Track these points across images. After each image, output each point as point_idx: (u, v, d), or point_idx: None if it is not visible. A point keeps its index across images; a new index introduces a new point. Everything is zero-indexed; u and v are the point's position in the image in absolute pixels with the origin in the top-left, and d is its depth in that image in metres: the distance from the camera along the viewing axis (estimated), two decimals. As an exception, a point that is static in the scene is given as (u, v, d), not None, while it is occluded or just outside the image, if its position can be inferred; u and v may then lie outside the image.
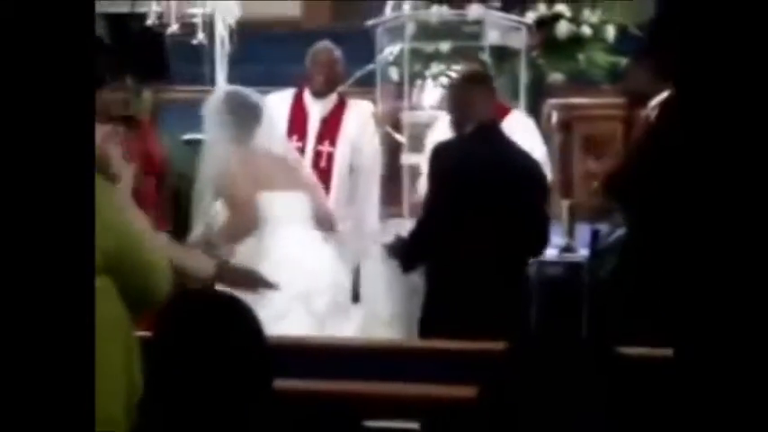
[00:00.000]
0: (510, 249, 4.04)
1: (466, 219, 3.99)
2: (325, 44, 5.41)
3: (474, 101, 4.15)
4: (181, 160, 5.41)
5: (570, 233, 5.84)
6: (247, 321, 1.88)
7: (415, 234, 4.14)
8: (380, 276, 4.25)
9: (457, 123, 4.22)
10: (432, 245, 4.05)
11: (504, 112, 5.25)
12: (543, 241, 4.30)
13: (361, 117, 5.41)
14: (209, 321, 1.85)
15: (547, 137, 5.80)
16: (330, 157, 5.14)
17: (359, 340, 3.71)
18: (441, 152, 4.24)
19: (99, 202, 2.24)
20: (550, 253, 5.85)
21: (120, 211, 2.36)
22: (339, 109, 5.35)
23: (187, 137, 6.36)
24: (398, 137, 6.31)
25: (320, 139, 5.15)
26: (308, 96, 5.35)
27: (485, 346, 3.44)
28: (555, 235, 5.98)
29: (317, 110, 5.20)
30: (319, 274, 3.95)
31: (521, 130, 5.22)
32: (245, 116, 4.19)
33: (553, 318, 5.08)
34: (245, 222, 4.07)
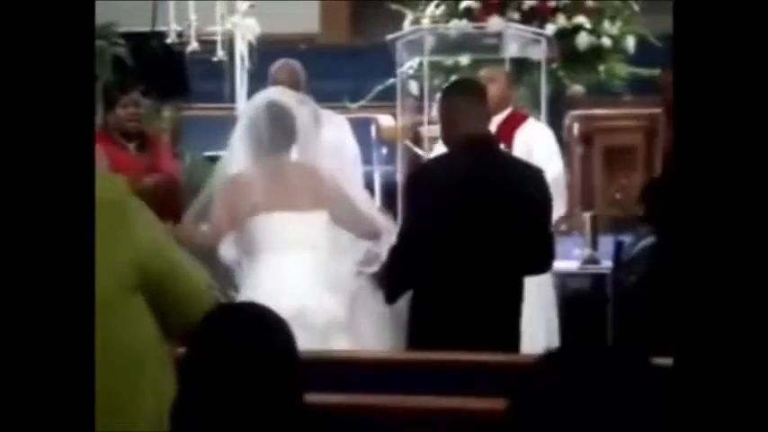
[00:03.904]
0: (504, 268, 3.73)
1: (448, 241, 3.69)
2: (281, 63, 5.30)
3: (462, 113, 3.80)
4: (201, 177, 5.42)
5: (593, 245, 5.81)
6: (280, 334, 1.87)
7: (390, 263, 3.84)
8: (369, 309, 3.89)
9: (446, 138, 3.89)
10: (409, 273, 3.77)
11: (521, 120, 5.24)
12: (544, 258, 3.91)
13: (336, 121, 5.38)
14: (241, 333, 1.84)
15: (568, 149, 5.79)
16: None
17: (384, 353, 3.66)
18: (415, 176, 3.98)
19: (141, 222, 2.25)
20: (573, 265, 5.85)
21: (163, 233, 2.34)
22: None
23: (209, 153, 6.39)
24: (418, 150, 6.31)
25: None
26: None
27: (510, 359, 3.42)
28: (577, 247, 5.98)
29: None
30: (294, 303, 3.55)
31: (537, 138, 5.21)
32: (284, 130, 3.92)
33: (578, 329, 5.05)
34: (208, 240, 3.84)
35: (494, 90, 5.10)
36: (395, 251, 3.89)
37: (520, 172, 3.93)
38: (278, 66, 5.22)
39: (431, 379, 3.04)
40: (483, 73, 5.26)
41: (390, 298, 3.82)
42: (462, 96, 3.89)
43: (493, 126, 5.19)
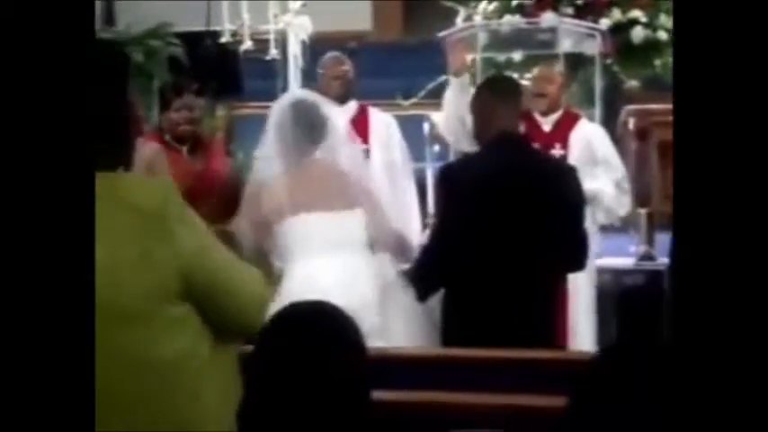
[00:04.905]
0: (536, 266, 3.68)
1: (479, 238, 3.66)
2: (335, 54, 5.33)
3: (495, 110, 3.79)
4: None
5: (649, 241, 5.75)
6: (348, 332, 1.87)
7: (422, 261, 3.83)
8: (400, 307, 3.82)
9: (479, 135, 3.87)
10: (440, 271, 3.75)
11: (575, 119, 5.20)
12: (578, 256, 3.81)
13: (385, 119, 5.39)
14: (310, 332, 1.84)
15: (622, 144, 5.72)
16: (365, 153, 5.06)
17: (443, 351, 3.64)
18: (447, 172, 3.92)
19: (183, 230, 2.17)
20: (629, 262, 5.79)
21: (209, 238, 2.25)
22: (363, 113, 5.31)
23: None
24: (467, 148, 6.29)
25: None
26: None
27: (569, 356, 3.41)
28: (633, 243, 5.92)
29: (341, 115, 5.03)
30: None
31: (597, 136, 5.17)
32: (310, 129, 3.89)
33: (635, 326, 5.00)
34: (251, 247, 3.78)
35: (551, 90, 5.08)
36: (427, 248, 3.88)
37: (552, 170, 3.91)
38: (329, 56, 5.27)
39: (478, 376, 3.02)
40: (539, 74, 5.23)
41: (422, 296, 3.80)
42: (496, 93, 3.86)
43: (548, 126, 5.17)
